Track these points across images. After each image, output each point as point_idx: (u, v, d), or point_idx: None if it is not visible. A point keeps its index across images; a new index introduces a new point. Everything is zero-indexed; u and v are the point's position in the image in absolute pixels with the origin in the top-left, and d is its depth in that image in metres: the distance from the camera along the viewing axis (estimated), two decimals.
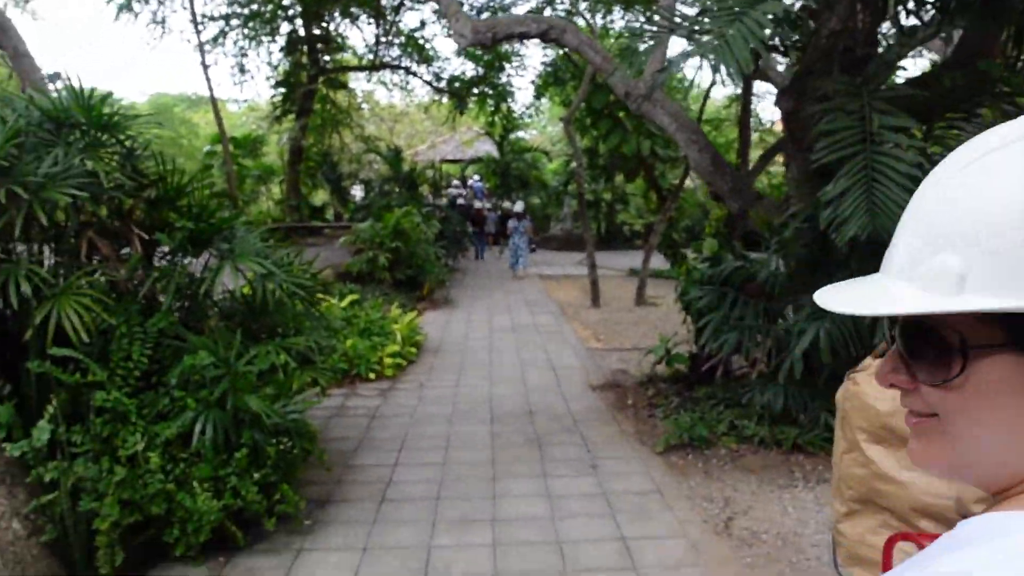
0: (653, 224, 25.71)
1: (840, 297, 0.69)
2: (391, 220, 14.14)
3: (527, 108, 23.07)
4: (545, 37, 7.79)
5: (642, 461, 5.68)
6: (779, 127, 26.58)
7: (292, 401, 4.69)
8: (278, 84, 20.17)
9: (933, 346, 0.62)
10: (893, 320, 0.69)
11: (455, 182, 30.10)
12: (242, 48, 21.01)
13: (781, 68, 18.34)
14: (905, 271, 0.64)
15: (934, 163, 0.68)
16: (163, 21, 19.75)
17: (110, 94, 4.44)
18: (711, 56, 4.73)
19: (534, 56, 50.23)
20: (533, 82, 22.33)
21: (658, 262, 20.22)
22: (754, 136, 24.15)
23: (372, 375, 8.27)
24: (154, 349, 4.38)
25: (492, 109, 23.85)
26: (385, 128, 30.46)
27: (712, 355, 7.24)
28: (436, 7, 21.98)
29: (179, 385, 4.27)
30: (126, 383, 4.20)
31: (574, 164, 26.39)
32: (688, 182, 20.27)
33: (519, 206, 20.74)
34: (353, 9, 21.40)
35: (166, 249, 4.77)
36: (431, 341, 10.48)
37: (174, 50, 79.71)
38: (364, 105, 28.68)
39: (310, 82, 20.00)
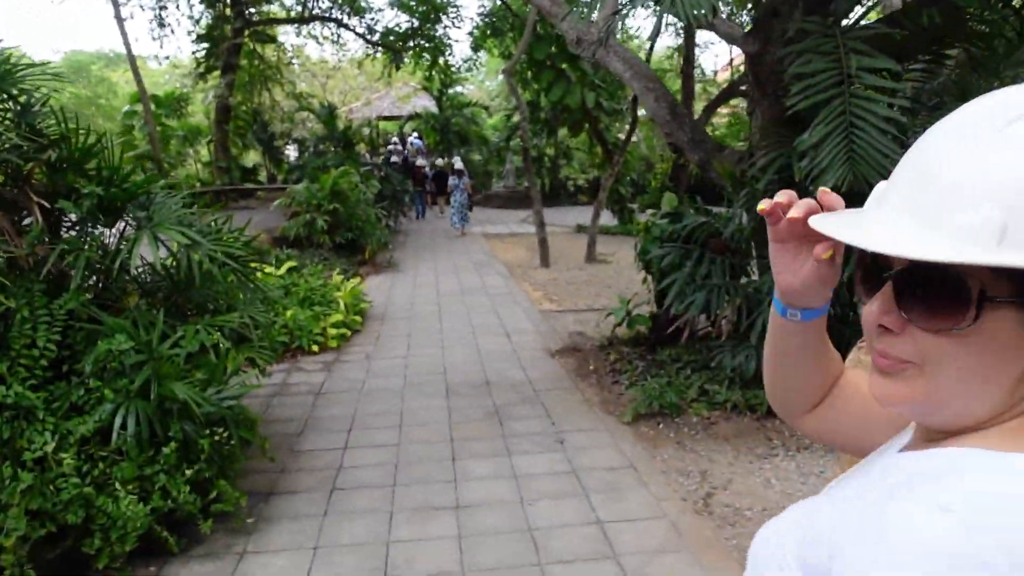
0: (600, 179, 25.43)
1: (851, 232, 0.69)
2: (328, 181, 13.46)
3: (465, 62, 22.29)
4: None
5: (610, 433, 5.38)
6: (722, 77, 26.41)
7: (227, 386, 4.21)
8: (200, 38, 18.98)
9: (948, 294, 0.64)
10: (882, 264, 0.72)
11: (393, 139, 29.24)
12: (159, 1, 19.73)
13: (724, 15, 18.05)
14: (929, 218, 0.64)
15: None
16: None
17: None
18: None
19: (471, 5, 49.02)
20: (470, 33, 21.58)
21: (605, 218, 19.98)
22: (697, 88, 23.96)
23: (315, 347, 7.77)
24: (64, 334, 3.84)
25: (429, 63, 23.05)
26: (318, 85, 29.28)
27: (676, 316, 7.00)
28: None
29: (94, 374, 3.76)
30: (31, 374, 3.67)
31: (516, 118, 25.84)
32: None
33: (458, 163, 20.27)
34: None
35: (74, 219, 4.20)
36: (376, 308, 10.00)
37: (87, 4, 75.15)
38: (295, 61, 27.44)
39: (235, 36, 18.88)
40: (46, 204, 3.77)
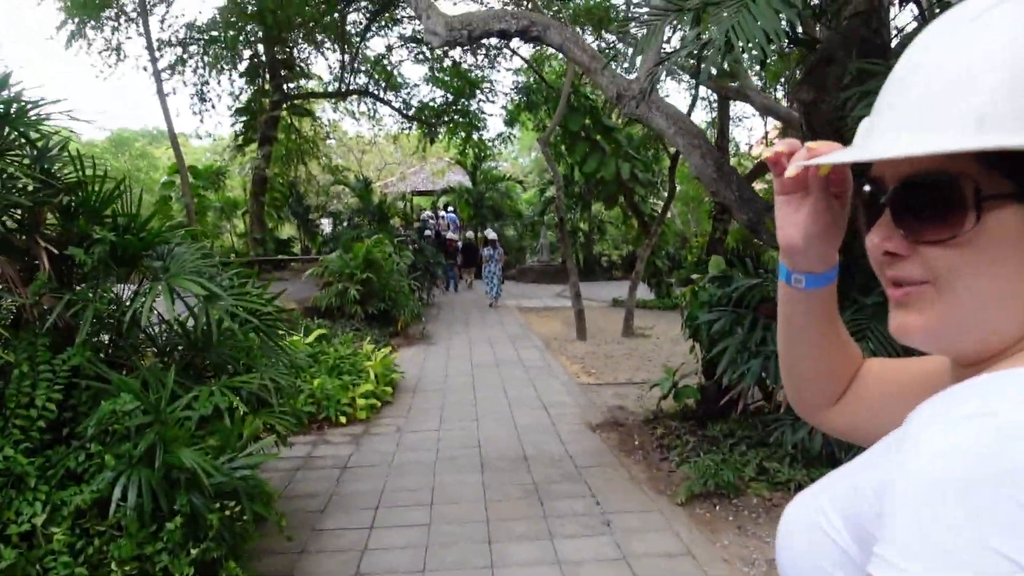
0: (636, 253, 25.16)
1: (838, 155, 0.72)
2: (361, 250, 13.32)
3: (498, 136, 22.46)
4: (526, 34, 7.12)
5: (662, 514, 4.86)
6: (755, 152, 26.30)
7: (242, 454, 3.83)
8: (239, 111, 19.38)
9: (943, 199, 0.64)
10: (878, 190, 0.71)
11: (427, 213, 29.46)
12: (202, 75, 20.27)
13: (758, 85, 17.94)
14: (911, 122, 0.65)
15: None
16: (118, 48, 18.98)
17: (8, 75, 3.61)
18: (732, 30, 4.07)
19: (505, 81, 50.12)
20: (504, 107, 21.83)
21: (642, 292, 19.59)
22: (732, 161, 23.83)
23: (343, 419, 7.38)
24: (67, 393, 3.52)
25: (463, 137, 23.29)
26: (353, 159, 29.76)
27: (728, 387, 6.52)
28: (402, 32, 21.64)
29: (96, 437, 3.41)
30: (26, 436, 3.33)
31: (551, 191, 25.93)
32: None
33: (491, 233, 20.30)
34: (317, 35, 20.83)
35: (87, 269, 3.94)
36: (408, 379, 9.62)
37: (133, 86, 78.74)
38: (331, 135, 27.99)
39: (273, 109, 19.24)
40: (54, 250, 3.51)
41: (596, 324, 14.23)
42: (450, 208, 27.89)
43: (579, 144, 17.09)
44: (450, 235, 24.21)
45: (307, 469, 6.05)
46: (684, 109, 19.18)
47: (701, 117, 24.78)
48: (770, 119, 23.63)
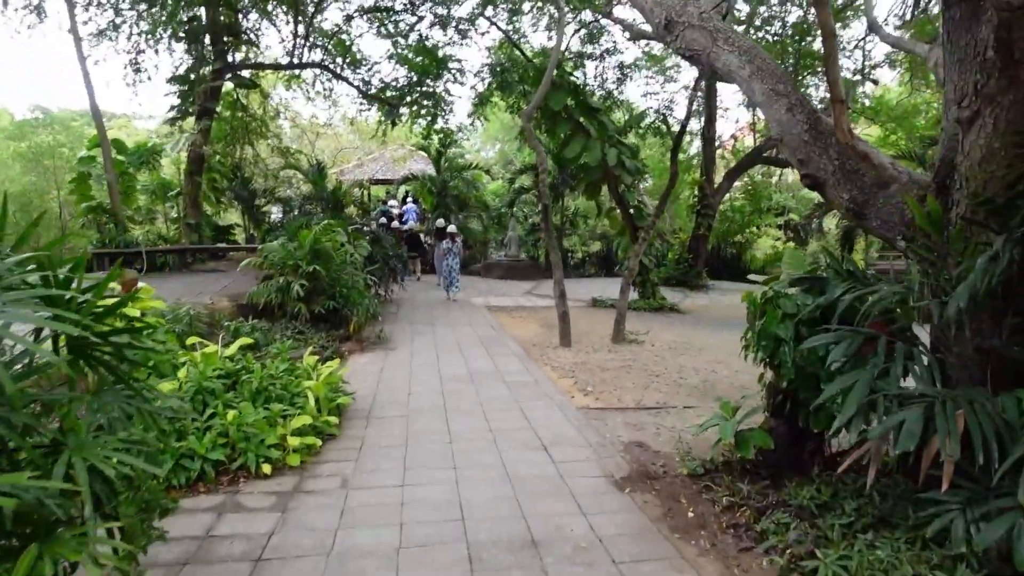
0: (613, 248, 23.17)
1: None
2: (307, 238, 11.04)
3: (469, 117, 20.24)
4: None
5: None
6: (732, 144, 24.51)
7: None
8: (174, 79, 16.83)
9: None
10: None
11: (391, 201, 27.15)
12: (136, 43, 17.68)
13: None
14: None
15: None
16: (39, 7, 16.28)
17: None
18: None
19: (475, 59, 47.80)
20: (473, 87, 19.63)
21: (614, 290, 17.63)
22: (717, 154, 22.00)
23: (267, 467, 5.18)
24: None
25: (428, 122, 21.03)
26: (307, 142, 27.27)
27: (807, 432, 4.56)
28: (362, 2, 19.29)
29: None
30: None
31: (521, 181, 23.87)
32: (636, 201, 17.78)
33: (451, 226, 18.53)
34: (266, 2, 18.39)
35: None
36: (361, 401, 7.43)
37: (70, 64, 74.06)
38: (283, 115, 25.44)
39: (214, 79, 16.76)
40: None
41: (578, 327, 12.18)
42: (410, 197, 25.65)
43: (560, 125, 15.01)
44: (410, 224, 22.00)
45: (199, 564, 3.85)
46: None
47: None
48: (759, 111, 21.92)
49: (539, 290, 19.31)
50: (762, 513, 4.34)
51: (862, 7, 18.52)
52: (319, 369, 7.03)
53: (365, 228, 16.70)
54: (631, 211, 15.57)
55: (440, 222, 20.06)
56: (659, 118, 16.42)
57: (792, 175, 27.73)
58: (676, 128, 16.20)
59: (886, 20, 17.52)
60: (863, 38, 18.69)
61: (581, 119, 15.25)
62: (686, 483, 5.01)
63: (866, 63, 17.76)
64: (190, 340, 6.51)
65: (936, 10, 17.27)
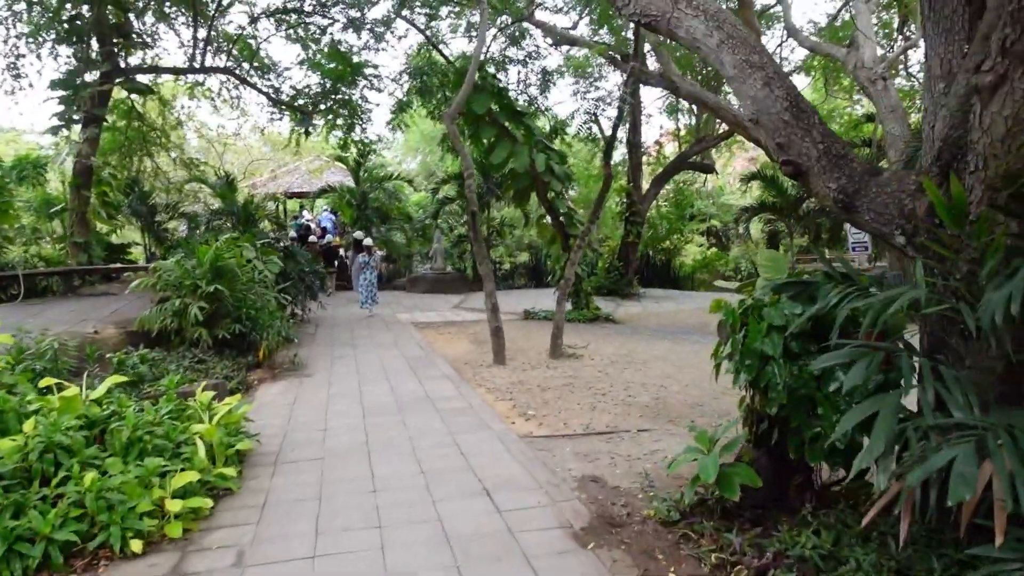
0: (541, 258, 22.40)
1: None
2: (207, 254, 9.82)
3: (386, 125, 19.17)
4: None
5: None
6: (653, 151, 24.21)
7: None
8: (56, 83, 15.19)
9: None
10: None
11: (305, 214, 25.75)
12: (15, 47, 15.97)
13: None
14: None
15: None
16: None
17: None
18: None
19: (392, 66, 46.47)
20: (391, 93, 18.64)
21: (549, 302, 16.87)
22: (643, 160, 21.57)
23: (136, 544, 4.07)
24: None
25: (344, 129, 19.88)
26: (214, 154, 25.60)
27: (795, 464, 3.82)
28: (270, 2, 18.06)
29: None
30: None
31: (446, 191, 22.88)
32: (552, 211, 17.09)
33: (366, 238, 17.80)
34: (165, 6, 16.95)
35: None
36: (267, 442, 6.34)
37: None
38: (185, 125, 23.76)
39: (102, 83, 15.21)
40: None
41: (512, 342, 11.32)
42: (327, 210, 24.43)
43: (485, 130, 14.14)
44: (328, 238, 20.81)
45: None
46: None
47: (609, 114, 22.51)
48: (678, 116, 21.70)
49: (468, 303, 18.38)
50: (763, 574, 3.53)
51: (779, 14, 18.50)
52: (214, 408, 5.93)
53: (279, 243, 15.47)
54: (562, 219, 14.83)
55: (357, 234, 19.16)
56: (590, 119, 15.76)
57: (713, 181, 27.73)
58: (608, 131, 15.62)
59: (801, 26, 17.47)
60: (780, 43, 18.64)
61: (506, 123, 14.43)
62: (659, 532, 4.17)
63: (783, 67, 17.61)
64: (44, 382, 5.30)
65: (848, 16, 17.40)
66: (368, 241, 17.63)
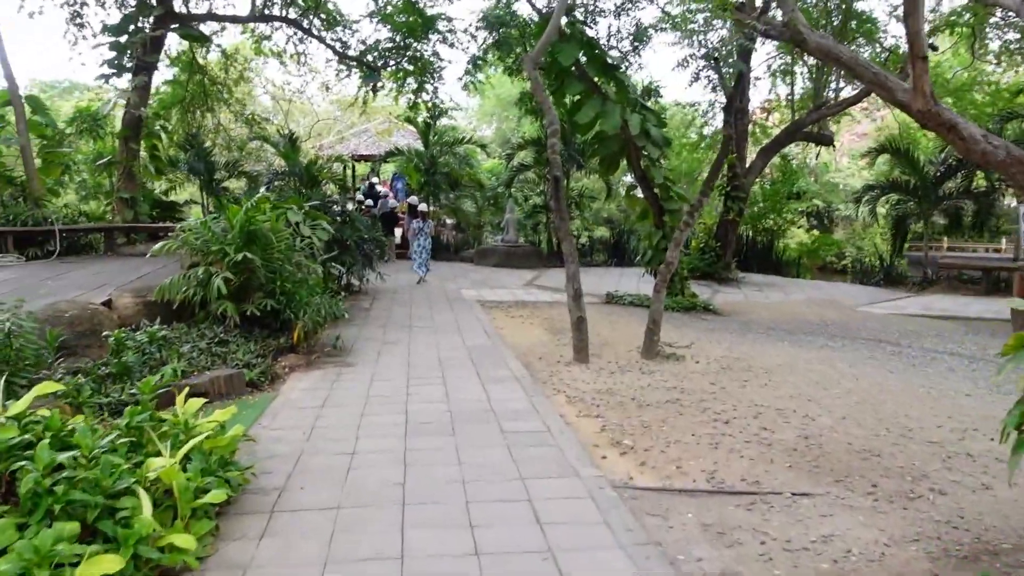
0: (623, 233, 20.28)
1: None
2: (237, 215, 8.18)
3: (459, 80, 17.25)
4: None
5: None
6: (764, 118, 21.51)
7: None
8: (109, 29, 13.86)
9: None
10: None
11: (374, 178, 24.20)
12: None
13: None
14: None
15: None
16: None
17: None
18: None
19: (468, 19, 44.21)
20: (465, 50, 16.69)
21: (635, 284, 14.83)
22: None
23: None
24: None
25: (413, 88, 18.11)
26: (280, 114, 24.27)
27: None
28: None
29: None
30: None
31: (522, 156, 20.91)
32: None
33: (422, 204, 16.72)
34: None
35: None
36: (273, 467, 4.61)
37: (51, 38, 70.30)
38: (257, 84, 22.47)
39: (155, 28, 13.81)
40: None
41: (595, 333, 9.37)
42: (395, 174, 22.83)
43: (571, 85, 12.09)
44: (392, 203, 19.22)
45: None
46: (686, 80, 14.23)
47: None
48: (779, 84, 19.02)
49: (541, 281, 16.47)
50: None
51: None
52: (195, 427, 4.21)
53: (336, 206, 13.84)
54: (656, 191, 12.69)
55: (412, 199, 17.94)
56: (709, 65, 13.40)
57: (822, 156, 24.86)
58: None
59: None
60: None
61: (596, 79, 12.35)
62: None
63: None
64: None
65: None
66: (423, 207, 16.39)
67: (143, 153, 14.62)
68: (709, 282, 16.24)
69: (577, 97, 12.32)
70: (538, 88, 8.65)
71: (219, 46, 18.31)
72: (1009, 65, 17.38)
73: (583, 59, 12.32)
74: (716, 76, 14.42)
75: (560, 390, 7.07)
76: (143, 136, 14.39)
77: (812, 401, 6.58)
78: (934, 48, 17.22)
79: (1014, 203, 16.85)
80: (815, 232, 23.96)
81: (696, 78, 14.47)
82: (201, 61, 17.71)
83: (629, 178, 19.23)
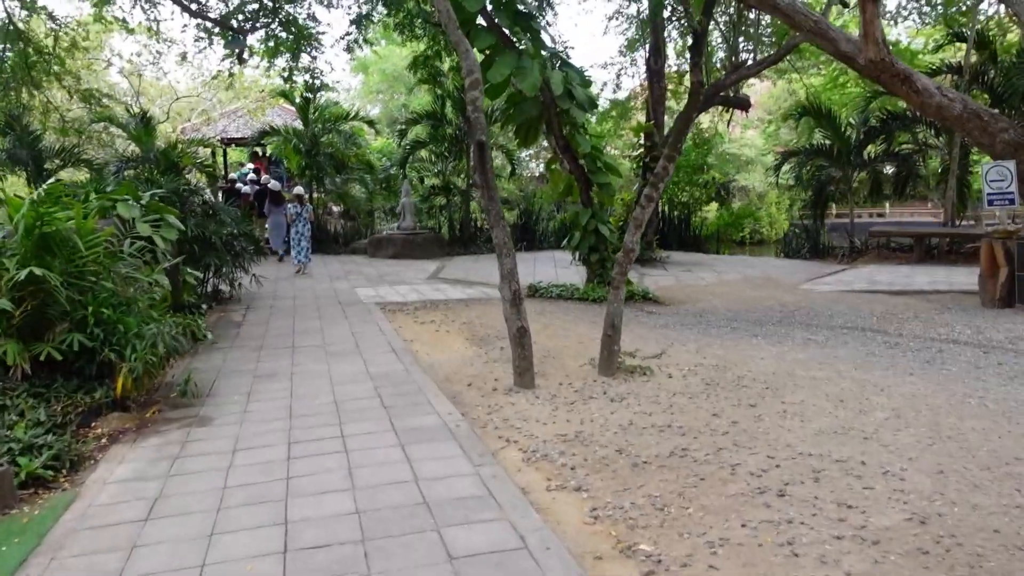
0: (533, 214, 18.12)
1: None
2: (20, 212, 5.45)
3: (340, 41, 14.51)
4: None
5: None
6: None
7: None
8: None
9: None
10: None
11: (248, 166, 21.07)
12: None
13: None
14: None
15: None
16: None
17: None
18: None
19: None
20: (349, 11, 14.03)
21: (556, 272, 12.80)
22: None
23: None
24: None
25: (289, 55, 15.25)
26: (132, 92, 20.64)
27: None
28: None
29: None
30: None
31: (417, 131, 18.29)
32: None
33: (297, 188, 15.75)
34: None
35: None
36: None
37: None
38: (97, 57, 18.78)
39: None
40: None
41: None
42: (271, 158, 19.88)
43: (479, 36, 9.78)
44: (274, 183, 16.43)
45: None
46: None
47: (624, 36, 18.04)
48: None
49: (447, 272, 14.19)
50: None
51: None
52: None
53: (192, 196, 11.00)
54: (582, 162, 10.63)
55: (274, 184, 16.49)
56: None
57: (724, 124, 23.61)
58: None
59: None
60: None
61: (507, 30, 10.10)
62: None
63: None
64: None
65: None
66: (299, 190, 15.08)
67: None
68: (633, 265, 14.43)
69: (487, 52, 10.04)
70: (451, 24, 6.31)
71: (44, 7, 14.77)
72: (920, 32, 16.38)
73: (491, 6, 10.05)
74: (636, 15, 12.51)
75: (509, 439, 4.88)
76: None
77: (867, 438, 4.63)
78: (845, 4, 15.92)
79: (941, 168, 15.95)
80: (715, 204, 22.72)
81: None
82: (19, 26, 14.16)
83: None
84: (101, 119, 16.16)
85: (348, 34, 13.42)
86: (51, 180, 14.50)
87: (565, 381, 6.37)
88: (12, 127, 14.26)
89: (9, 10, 14.36)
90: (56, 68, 15.28)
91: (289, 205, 14.81)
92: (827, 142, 16.26)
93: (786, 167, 17.40)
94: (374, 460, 4.45)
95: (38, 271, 5.12)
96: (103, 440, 4.96)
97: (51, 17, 15.08)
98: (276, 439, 4.88)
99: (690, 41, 11.45)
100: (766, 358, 7.13)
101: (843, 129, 15.82)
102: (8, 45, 14.68)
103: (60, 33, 15.56)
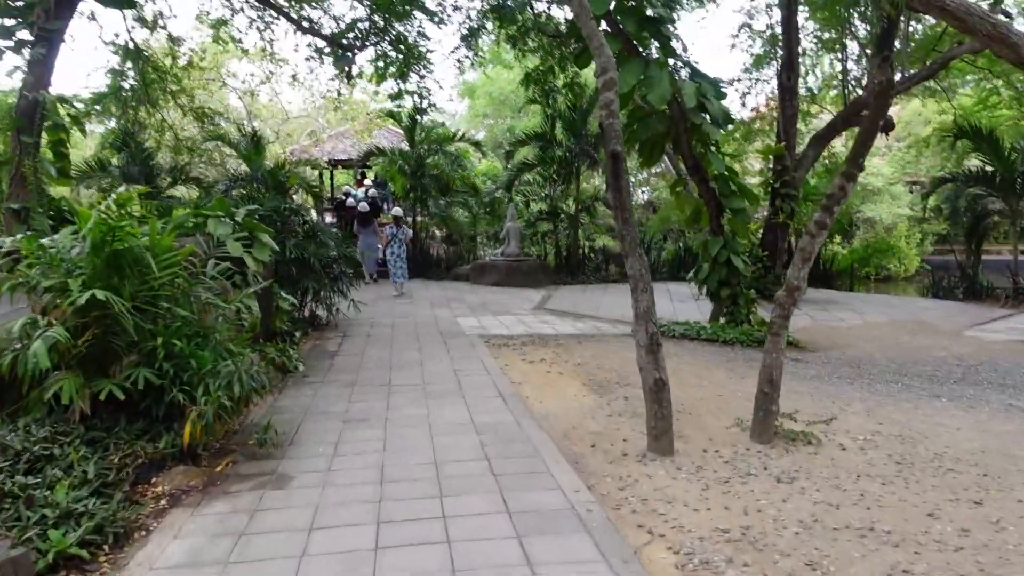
0: (649, 240, 16.63)
1: None
2: (89, 223, 4.73)
3: (451, 55, 13.72)
4: None
5: None
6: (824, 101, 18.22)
7: None
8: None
9: None
10: None
11: (359, 188, 20.78)
12: None
13: None
14: None
15: None
16: None
17: None
18: None
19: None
20: (459, 30, 13.26)
21: (678, 308, 11.44)
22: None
23: None
24: None
25: (397, 74, 14.68)
26: (245, 112, 20.79)
27: None
28: None
29: None
30: None
31: (524, 153, 17.37)
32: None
33: (395, 208, 15.66)
34: None
35: None
36: None
37: None
38: (217, 77, 18.94)
39: None
40: None
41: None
42: (370, 180, 19.47)
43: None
44: (361, 206, 15.88)
45: None
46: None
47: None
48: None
49: (554, 303, 13.09)
50: None
51: None
52: None
53: (293, 216, 10.36)
54: (713, 185, 9.34)
55: (396, 210, 15.67)
56: None
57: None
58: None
59: None
60: None
61: (642, 33, 8.99)
62: None
63: None
64: None
65: None
66: (397, 210, 15.02)
67: (44, 150, 11.15)
68: (759, 300, 12.92)
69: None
70: (584, 15, 5.28)
71: (164, 27, 14.85)
72: None
73: (613, 8, 8.97)
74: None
75: (653, 530, 3.71)
76: (44, 128, 10.85)
77: None
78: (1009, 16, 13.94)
79: None
80: (838, 237, 20.67)
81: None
82: (139, 45, 14.21)
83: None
84: (213, 138, 16.13)
85: (458, 47, 12.66)
86: (161, 197, 14.41)
87: (710, 447, 5.12)
88: (127, 144, 14.25)
89: (129, 29, 14.51)
90: (173, 87, 15.31)
91: (387, 227, 14.36)
92: (987, 168, 14.21)
93: (932, 198, 15.38)
94: (484, 560, 3.35)
95: (100, 295, 4.34)
96: (162, 501, 4.10)
97: (171, 37, 15.15)
98: (363, 515, 3.87)
99: (874, 32, 9.96)
100: (963, 428, 5.63)
101: (1007, 153, 13.77)
102: (129, 64, 14.79)
103: (178, 52, 15.63)
